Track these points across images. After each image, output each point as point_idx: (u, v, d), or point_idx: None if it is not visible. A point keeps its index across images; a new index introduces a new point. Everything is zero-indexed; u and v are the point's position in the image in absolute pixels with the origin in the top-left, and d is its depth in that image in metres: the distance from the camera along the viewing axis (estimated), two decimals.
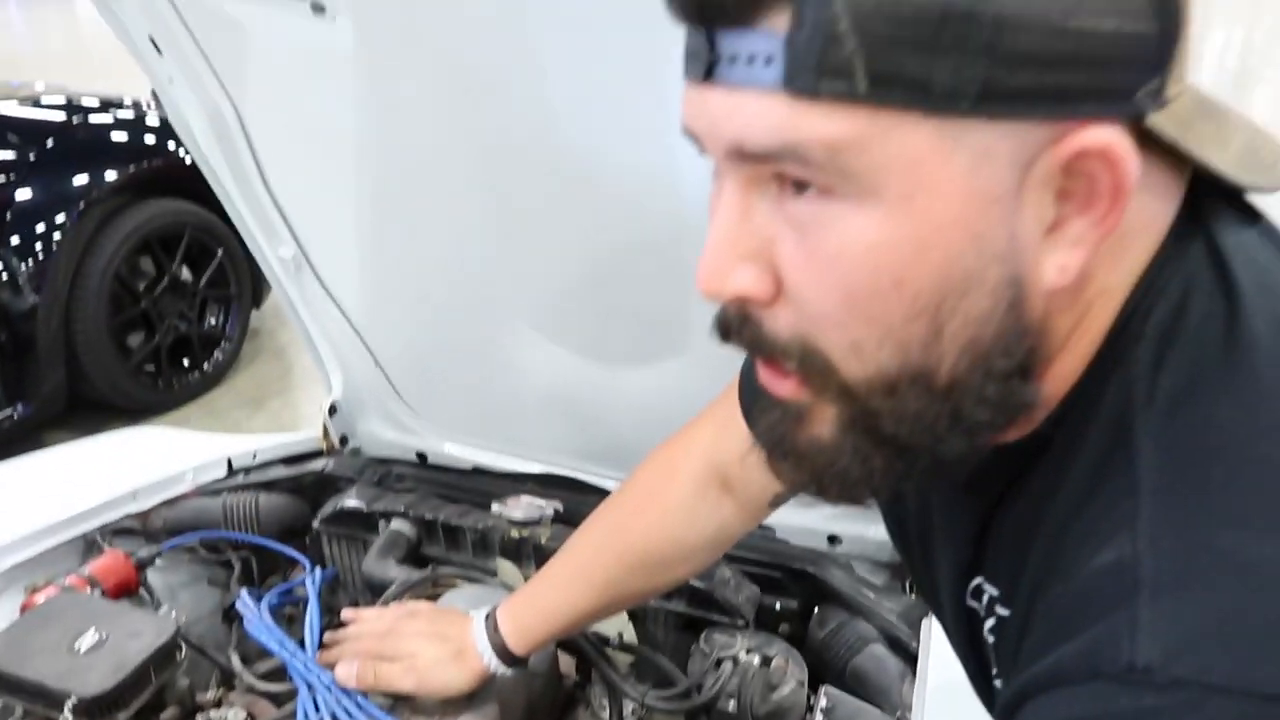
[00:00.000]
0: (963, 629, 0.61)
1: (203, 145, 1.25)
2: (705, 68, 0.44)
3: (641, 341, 1.32)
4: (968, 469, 0.51)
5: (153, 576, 1.26)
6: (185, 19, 1.14)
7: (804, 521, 1.33)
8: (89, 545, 1.29)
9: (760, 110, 0.43)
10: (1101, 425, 0.47)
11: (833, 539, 1.34)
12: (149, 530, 1.35)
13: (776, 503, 0.90)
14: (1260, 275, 0.46)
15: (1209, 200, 0.48)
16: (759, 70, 0.42)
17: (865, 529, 1.34)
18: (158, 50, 1.16)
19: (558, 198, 1.18)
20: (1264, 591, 0.40)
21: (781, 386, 0.51)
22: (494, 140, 1.14)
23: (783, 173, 0.45)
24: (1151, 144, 0.44)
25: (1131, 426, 0.45)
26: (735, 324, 0.50)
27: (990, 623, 0.57)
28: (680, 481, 0.91)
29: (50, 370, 3.04)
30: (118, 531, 1.33)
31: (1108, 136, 0.42)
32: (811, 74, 0.41)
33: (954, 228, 0.43)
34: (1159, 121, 0.44)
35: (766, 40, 0.42)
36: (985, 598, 0.58)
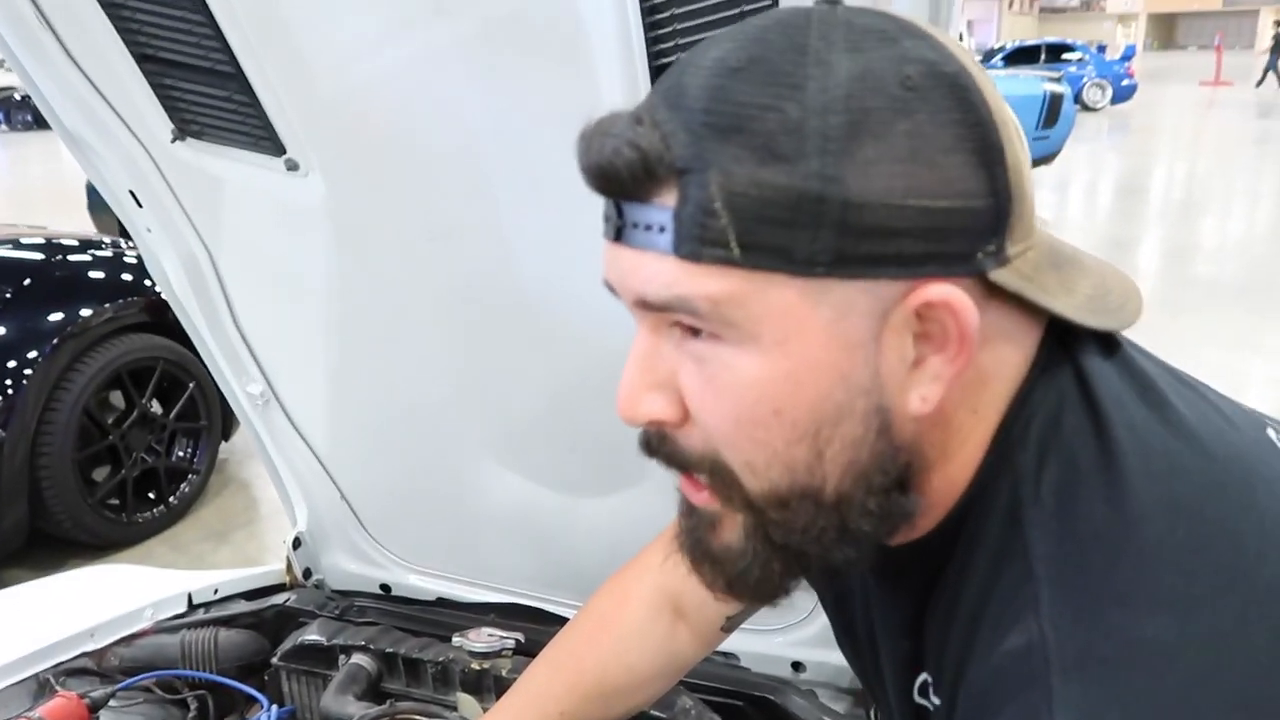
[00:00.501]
0: None
1: (176, 287, 1.31)
2: (615, 230, 0.52)
3: (601, 471, 1.35)
4: (871, 562, 0.57)
5: (106, 718, 1.24)
6: (165, 174, 1.21)
7: (767, 649, 1.34)
8: (41, 686, 1.27)
9: (657, 269, 0.51)
10: (996, 521, 0.54)
11: (796, 665, 1.34)
12: (104, 669, 1.33)
13: (729, 627, 0.92)
14: (1118, 394, 0.54)
15: (1076, 332, 0.55)
16: (655, 236, 0.50)
17: (829, 655, 1.34)
18: (137, 203, 1.22)
19: (518, 334, 1.24)
20: (1151, 672, 0.46)
21: (697, 496, 0.58)
22: (456, 282, 1.20)
23: (679, 320, 0.52)
24: (1001, 294, 0.52)
25: (1021, 521, 0.52)
26: (655, 442, 0.57)
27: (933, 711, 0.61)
28: (633, 608, 0.93)
29: (12, 506, 3.00)
30: (71, 672, 1.31)
31: (946, 292, 0.50)
32: (695, 242, 0.49)
33: (822, 368, 0.51)
34: (1002, 277, 0.51)
35: (659, 213, 0.50)
36: (931, 690, 0.61)
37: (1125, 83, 18.07)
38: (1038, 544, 0.51)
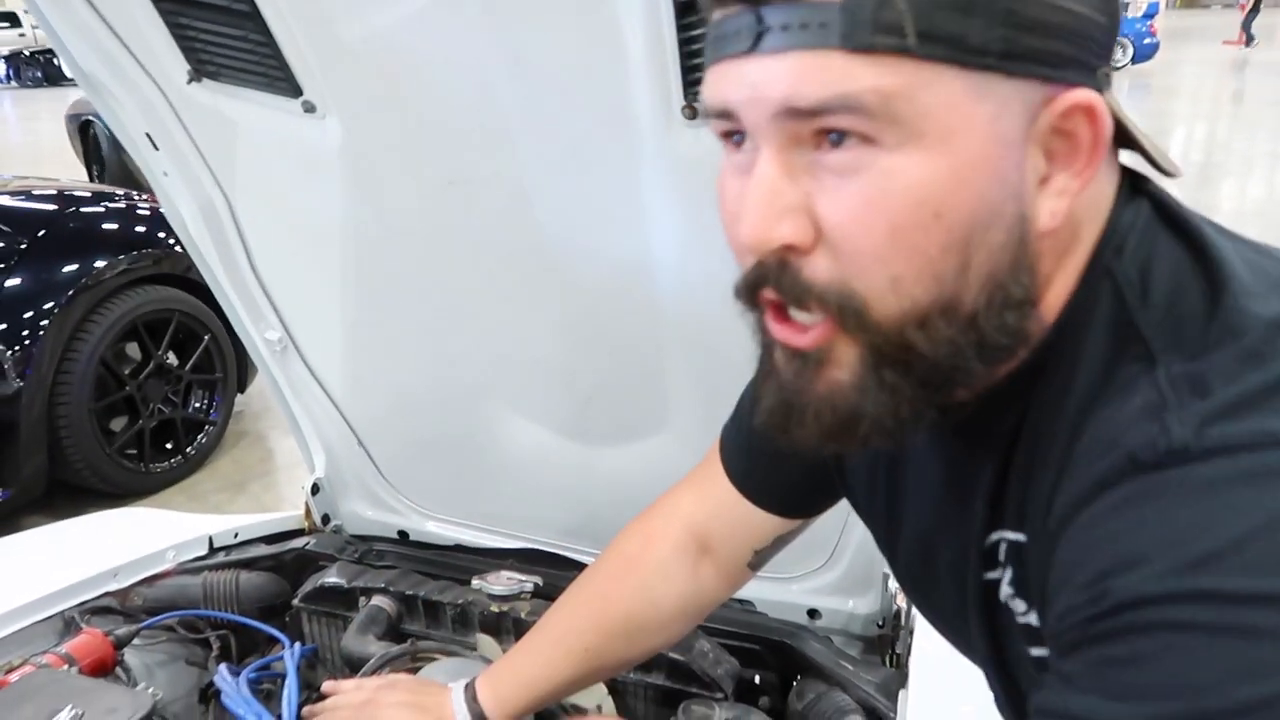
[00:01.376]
0: (978, 611, 0.64)
1: (193, 233, 1.30)
2: (754, 38, 0.50)
3: (618, 420, 1.35)
4: (972, 414, 0.57)
5: (130, 655, 1.26)
6: (181, 117, 1.20)
7: (783, 596, 1.35)
8: (67, 624, 1.30)
9: (815, 67, 0.49)
10: (1102, 329, 0.54)
11: (812, 613, 1.36)
12: (128, 609, 1.36)
13: (756, 564, 0.93)
14: (1196, 216, 0.56)
15: (1138, 175, 0.58)
16: (814, 33, 0.49)
17: (844, 603, 1.36)
18: (154, 146, 1.22)
19: (538, 283, 1.23)
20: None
21: (803, 338, 0.56)
22: (474, 228, 1.20)
23: (825, 127, 0.50)
24: None
25: (1133, 322, 0.53)
26: (774, 274, 0.54)
27: (1009, 574, 0.60)
28: (658, 546, 0.93)
29: (31, 455, 3.04)
30: (96, 610, 1.33)
31: (1091, 96, 0.51)
32: (868, 30, 0.48)
33: (982, 165, 0.50)
34: (1110, 100, 0.53)
35: (819, 10, 0.48)
36: (1003, 551, 0.61)
37: (1147, 41, 17.73)
38: (1154, 338, 0.52)
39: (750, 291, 0.56)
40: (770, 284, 0.54)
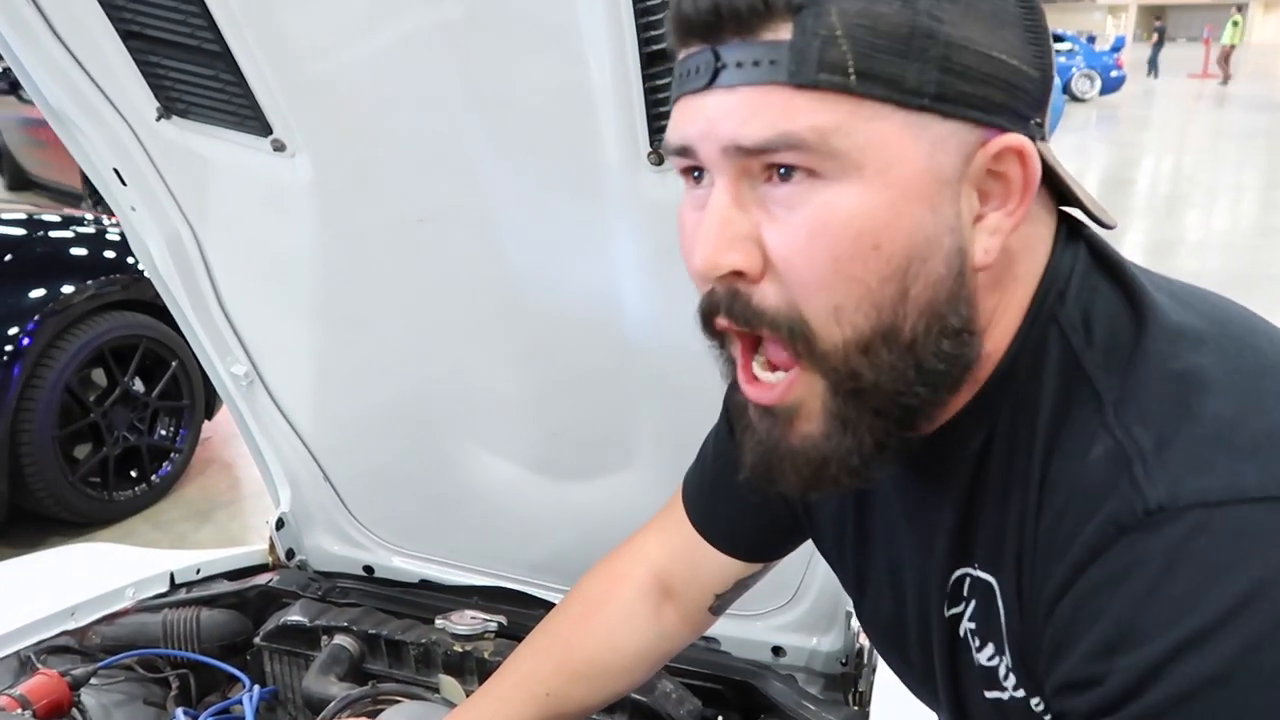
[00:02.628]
0: (942, 649, 0.67)
1: (160, 267, 1.30)
2: (710, 75, 0.54)
3: (585, 456, 1.36)
4: (938, 409, 0.59)
5: (87, 696, 1.24)
6: (150, 152, 1.20)
7: (748, 633, 1.36)
8: (23, 664, 1.27)
9: (762, 105, 0.52)
10: (1054, 374, 0.57)
11: (777, 650, 1.36)
12: (86, 648, 1.34)
13: (717, 609, 0.93)
14: (1126, 261, 0.61)
15: (1075, 221, 0.63)
16: (764, 70, 0.52)
17: (809, 640, 1.36)
18: (122, 181, 1.22)
19: (505, 319, 1.24)
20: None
21: (770, 394, 0.59)
22: (442, 265, 1.20)
23: (772, 162, 0.54)
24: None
25: (1080, 365, 0.56)
26: (725, 302, 0.57)
27: (970, 609, 0.63)
28: (622, 590, 0.94)
29: None
30: (53, 650, 1.31)
31: (1021, 141, 0.55)
32: (813, 69, 0.51)
33: (919, 199, 0.54)
34: (1042, 149, 0.56)
35: (770, 48, 0.52)
36: (966, 587, 0.63)
37: (1114, 74, 18.10)
38: (1099, 379, 0.55)
39: (705, 319, 0.59)
40: (722, 311, 0.58)
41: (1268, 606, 0.47)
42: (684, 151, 0.57)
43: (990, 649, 0.62)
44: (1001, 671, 0.61)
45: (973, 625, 0.63)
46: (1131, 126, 14.89)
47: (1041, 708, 0.58)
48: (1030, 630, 0.57)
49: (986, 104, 0.53)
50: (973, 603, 0.63)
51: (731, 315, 0.57)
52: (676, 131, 0.57)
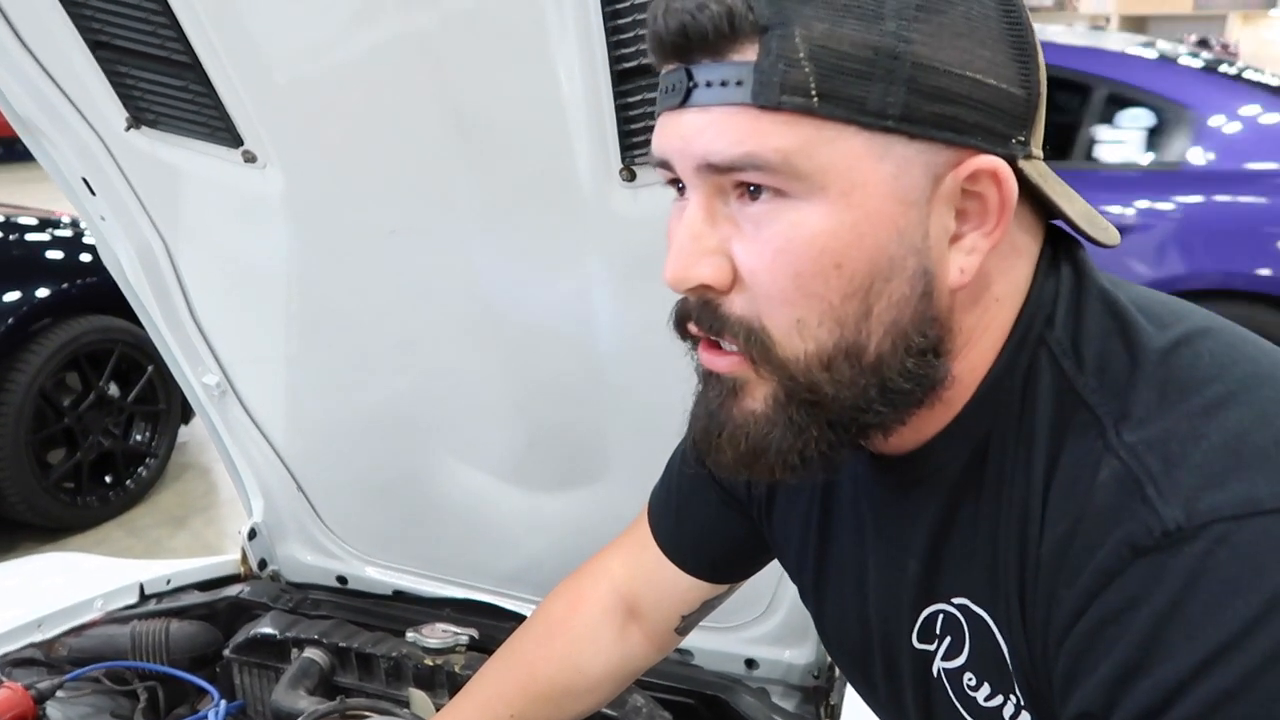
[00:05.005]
0: (912, 680, 0.66)
1: (130, 278, 1.29)
2: (684, 94, 0.55)
3: (559, 467, 1.35)
4: (895, 429, 0.59)
5: (52, 709, 1.22)
6: (119, 162, 1.19)
7: (721, 645, 1.35)
8: None
9: (729, 125, 0.53)
10: (1047, 398, 0.57)
11: (750, 662, 1.36)
12: (53, 660, 1.32)
13: (683, 629, 0.93)
14: (1112, 280, 0.61)
15: (1065, 240, 0.62)
16: (731, 91, 0.53)
17: (782, 653, 1.36)
18: (91, 190, 1.20)
19: (478, 330, 1.23)
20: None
21: (721, 362, 0.59)
22: (414, 277, 1.20)
23: (741, 181, 0.55)
24: (1020, 187, 0.56)
25: (1074, 389, 0.56)
26: (695, 310, 0.59)
27: (944, 647, 0.62)
28: (586, 610, 0.93)
29: None
30: (19, 662, 1.29)
31: (994, 162, 0.54)
32: (776, 90, 0.52)
33: (882, 220, 0.54)
34: (1026, 168, 0.56)
35: (737, 68, 0.53)
36: (939, 624, 0.63)
37: None
38: (1097, 403, 0.55)
39: (678, 323, 0.61)
40: (693, 318, 0.59)
41: None
42: (664, 165, 0.58)
43: (987, 688, 0.61)
44: (1009, 712, 0.60)
45: (950, 665, 0.62)
46: None
47: None
48: (1039, 660, 0.57)
49: (957, 124, 0.53)
50: (947, 640, 0.62)
51: (699, 322, 0.59)
52: (657, 145, 0.58)
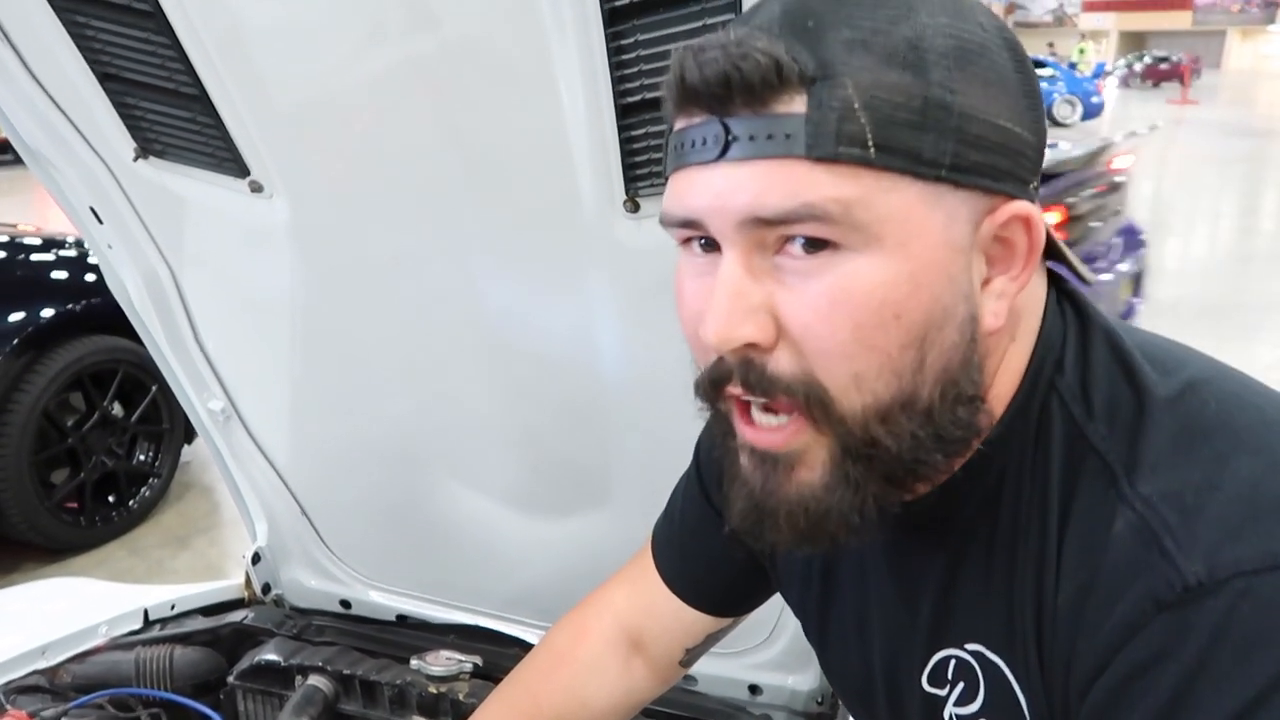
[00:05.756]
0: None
1: (136, 303, 1.30)
2: (721, 148, 0.53)
3: (563, 493, 1.36)
4: (928, 519, 0.60)
5: None
6: (127, 192, 1.20)
7: (725, 671, 1.35)
8: None
9: (780, 177, 0.52)
10: (1059, 445, 0.57)
11: (754, 688, 1.36)
12: (57, 687, 1.32)
13: (687, 662, 0.93)
14: (1115, 322, 0.61)
15: (1060, 279, 0.63)
16: (779, 144, 0.51)
17: (786, 679, 1.36)
18: (98, 219, 1.21)
19: (483, 357, 1.24)
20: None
21: (775, 437, 0.57)
22: (420, 303, 1.20)
23: (789, 234, 0.53)
24: None
25: (1085, 436, 0.57)
26: (739, 371, 0.56)
27: (957, 694, 0.62)
28: (591, 642, 0.93)
29: None
30: (23, 689, 1.29)
31: (1028, 208, 0.55)
32: (831, 142, 0.51)
33: (937, 269, 0.54)
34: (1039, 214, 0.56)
35: (785, 121, 0.51)
36: (951, 670, 0.62)
37: (1095, 99, 18.33)
38: (1106, 450, 0.55)
39: (714, 387, 0.58)
40: (735, 380, 0.56)
41: None
42: (690, 224, 0.56)
43: None
44: None
45: (963, 711, 0.62)
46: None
47: None
48: (1059, 712, 0.56)
49: (995, 172, 0.53)
50: (960, 686, 0.62)
51: (747, 384, 0.56)
52: (680, 204, 0.55)
